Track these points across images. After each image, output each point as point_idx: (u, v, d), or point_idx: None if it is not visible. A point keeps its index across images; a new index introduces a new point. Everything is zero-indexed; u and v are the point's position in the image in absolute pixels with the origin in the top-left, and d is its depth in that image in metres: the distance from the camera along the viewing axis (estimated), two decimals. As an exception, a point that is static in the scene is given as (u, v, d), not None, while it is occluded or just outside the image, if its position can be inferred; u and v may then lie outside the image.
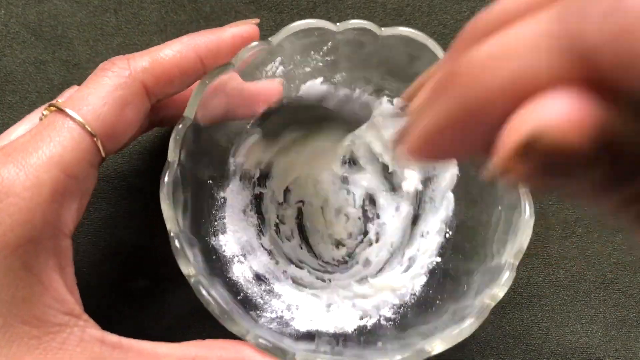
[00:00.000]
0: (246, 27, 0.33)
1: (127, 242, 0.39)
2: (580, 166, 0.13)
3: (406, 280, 0.37)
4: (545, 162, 0.13)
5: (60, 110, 0.28)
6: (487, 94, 0.15)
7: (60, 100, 0.29)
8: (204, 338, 0.30)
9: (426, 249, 0.37)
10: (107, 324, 0.28)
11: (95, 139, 0.28)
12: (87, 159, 0.28)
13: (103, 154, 0.29)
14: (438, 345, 0.28)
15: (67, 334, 0.26)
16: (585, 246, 0.40)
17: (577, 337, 0.39)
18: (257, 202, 0.39)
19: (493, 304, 0.28)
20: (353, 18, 0.43)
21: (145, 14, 0.41)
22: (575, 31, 0.13)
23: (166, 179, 0.29)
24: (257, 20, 0.34)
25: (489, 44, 0.15)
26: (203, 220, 0.34)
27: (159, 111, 0.34)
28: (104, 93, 0.29)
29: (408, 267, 0.37)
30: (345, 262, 0.39)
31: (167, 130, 0.40)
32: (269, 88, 0.35)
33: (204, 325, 0.38)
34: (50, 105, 0.29)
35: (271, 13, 0.42)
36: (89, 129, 0.28)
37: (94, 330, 0.27)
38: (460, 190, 0.37)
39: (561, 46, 0.13)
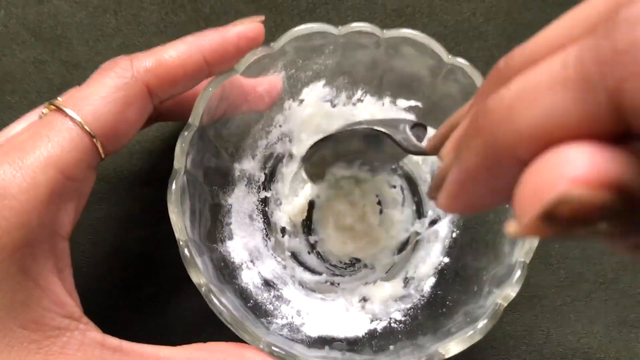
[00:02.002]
0: (251, 26, 0.32)
1: (126, 243, 0.39)
2: (600, 220, 0.13)
3: (415, 281, 0.37)
4: (569, 223, 0.13)
5: (59, 109, 0.27)
6: (515, 137, 0.14)
7: (60, 99, 0.28)
8: (207, 340, 0.29)
9: (434, 249, 0.37)
10: (106, 324, 0.28)
11: (94, 140, 0.27)
12: (86, 160, 0.27)
13: (102, 155, 0.28)
14: (453, 348, 0.27)
15: (68, 337, 0.26)
16: (586, 246, 0.41)
17: (578, 338, 0.39)
18: (263, 206, 0.39)
19: (505, 304, 0.28)
20: (353, 19, 0.43)
21: (145, 14, 0.41)
22: (597, 68, 0.13)
23: (173, 186, 0.29)
24: (262, 18, 0.33)
25: (516, 83, 0.15)
26: (210, 227, 0.33)
27: (156, 106, 0.33)
28: (105, 93, 0.28)
29: (416, 268, 0.37)
30: (353, 265, 0.39)
31: (167, 130, 0.40)
32: (268, 81, 0.35)
33: (205, 326, 0.37)
34: (50, 104, 0.28)
35: (271, 14, 0.42)
36: (89, 129, 0.27)
37: (94, 334, 0.27)
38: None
39: (585, 85, 0.13)
